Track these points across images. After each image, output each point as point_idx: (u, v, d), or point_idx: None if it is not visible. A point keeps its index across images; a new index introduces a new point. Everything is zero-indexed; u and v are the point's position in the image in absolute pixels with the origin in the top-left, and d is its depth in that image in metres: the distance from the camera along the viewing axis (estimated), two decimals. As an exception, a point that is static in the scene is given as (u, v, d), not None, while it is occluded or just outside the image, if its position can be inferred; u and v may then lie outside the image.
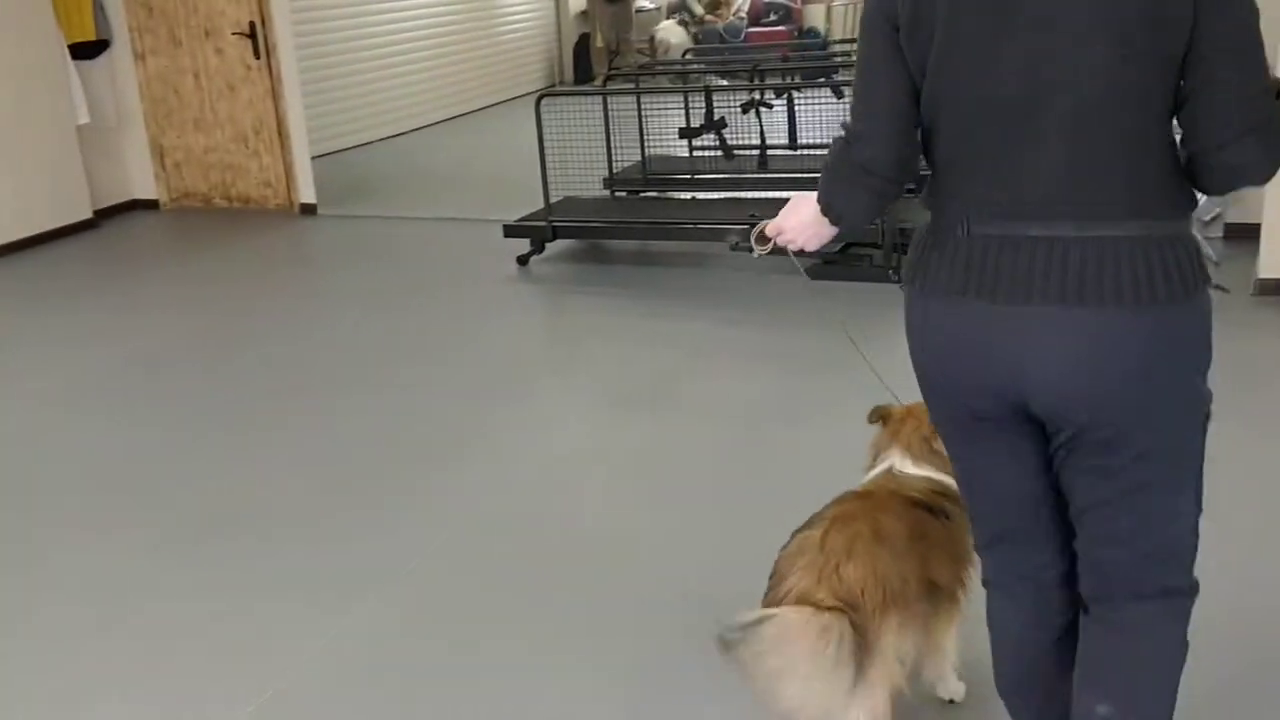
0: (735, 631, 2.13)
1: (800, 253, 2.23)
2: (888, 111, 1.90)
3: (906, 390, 2.33)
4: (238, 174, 8.42)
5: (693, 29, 13.73)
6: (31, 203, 7.56)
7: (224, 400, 4.92)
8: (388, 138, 10.99)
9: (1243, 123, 1.71)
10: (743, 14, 13.83)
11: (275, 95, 8.11)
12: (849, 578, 2.24)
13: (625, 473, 4.05)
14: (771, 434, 4.20)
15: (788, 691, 2.17)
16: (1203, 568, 1.99)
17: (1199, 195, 1.83)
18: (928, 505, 2.46)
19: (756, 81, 7.86)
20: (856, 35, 2.28)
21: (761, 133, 7.31)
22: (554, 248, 6.61)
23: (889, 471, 2.58)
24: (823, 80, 7.90)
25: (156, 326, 5.98)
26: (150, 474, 4.24)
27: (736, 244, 6.32)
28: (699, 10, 13.70)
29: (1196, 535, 1.95)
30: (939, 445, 2.39)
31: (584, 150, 6.77)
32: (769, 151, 7.35)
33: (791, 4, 14.00)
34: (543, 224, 6.49)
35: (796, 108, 7.41)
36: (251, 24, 7.98)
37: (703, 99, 7.42)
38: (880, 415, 2.70)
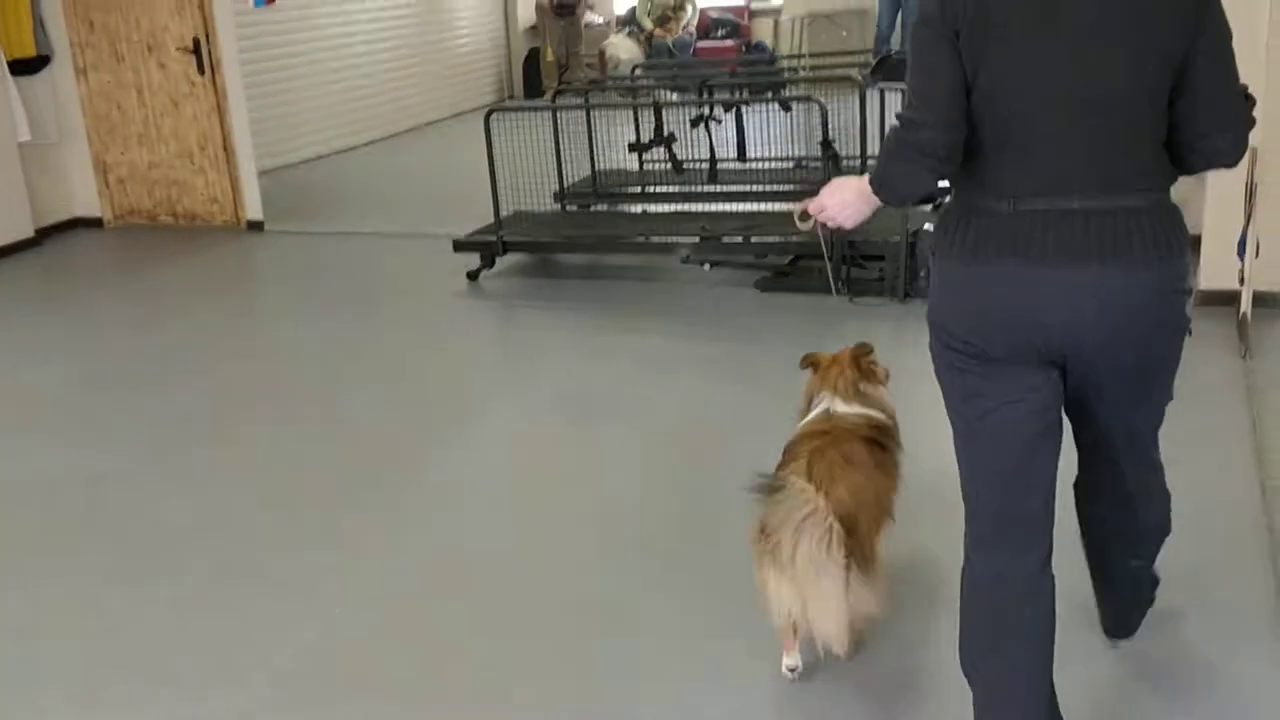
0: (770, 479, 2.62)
1: (836, 231, 2.58)
2: (946, 103, 2.18)
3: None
4: (183, 190, 8.32)
5: (642, 44, 13.77)
6: (-29, 221, 7.43)
7: (169, 421, 4.84)
8: (335, 153, 10.90)
9: (1223, 116, 2.18)
10: (691, 29, 13.89)
11: (220, 110, 8.02)
12: (838, 497, 2.62)
13: (575, 485, 4.05)
14: (723, 444, 4.21)
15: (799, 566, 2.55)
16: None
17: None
18: (870, 437, 2.87)
19: (705, 96, 7.88)
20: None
21: (711, 146, 7.33)
22: (504, 262, 6.59)
23: (826, 412, 2.94)
24: (770, 95, 7.93)
25: (100, 346, 5.88)
26: (94, 497, 4.17)
27: (687, 257, 6.35)
28: (648, 25, 13.74)
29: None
30: (864, 387, 2.98)
31: (534, 164, 6.76)
32: (718, 164, 7.38)
33: (739, 19, 14.10)
34: (493, 239, 6.47)
35: (744, 121, 7.44)
36: (195, 40, 7.90)
37: (652, 113, 7.44)
38: (810, 362, 3.10)
